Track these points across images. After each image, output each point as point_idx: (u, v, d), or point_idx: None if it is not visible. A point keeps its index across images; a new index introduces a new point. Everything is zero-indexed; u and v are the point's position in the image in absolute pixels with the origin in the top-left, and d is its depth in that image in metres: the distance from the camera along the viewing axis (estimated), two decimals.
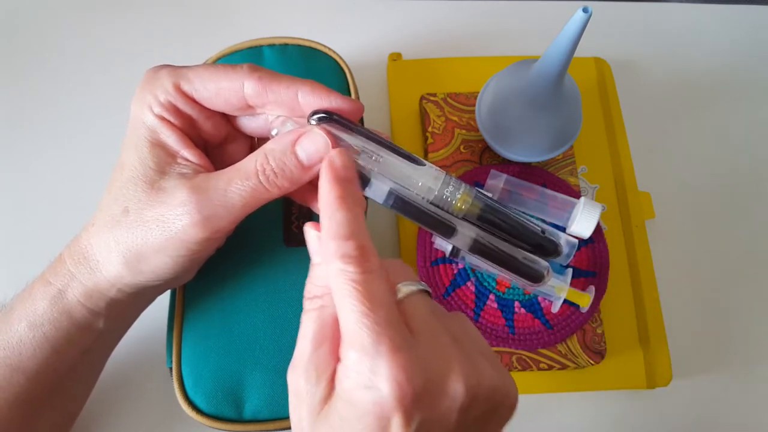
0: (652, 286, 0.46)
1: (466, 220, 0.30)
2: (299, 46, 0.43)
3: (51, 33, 0.53)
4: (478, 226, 0.30)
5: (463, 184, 0.30)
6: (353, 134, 0.30)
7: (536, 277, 0.31)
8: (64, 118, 0.51)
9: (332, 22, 0.55)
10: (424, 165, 0.30)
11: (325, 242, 0.25)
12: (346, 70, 0.43)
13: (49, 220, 0.47)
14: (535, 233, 0.30)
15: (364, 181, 0.30)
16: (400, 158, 0.30)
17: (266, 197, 0.30)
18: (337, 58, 0.43)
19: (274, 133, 0.31)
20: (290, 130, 0.30)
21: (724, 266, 0.50)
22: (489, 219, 0.30)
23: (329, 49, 0.43)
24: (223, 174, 0.30)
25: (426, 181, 0.30)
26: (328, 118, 0.29)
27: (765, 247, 0.51)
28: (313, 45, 0.43)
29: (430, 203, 0.30)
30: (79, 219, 0.33)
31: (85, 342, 0.33)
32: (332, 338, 0.26)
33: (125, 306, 0.33)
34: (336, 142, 0.29)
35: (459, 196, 0.30)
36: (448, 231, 0.30)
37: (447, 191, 0.30)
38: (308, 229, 0.28)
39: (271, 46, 0.43)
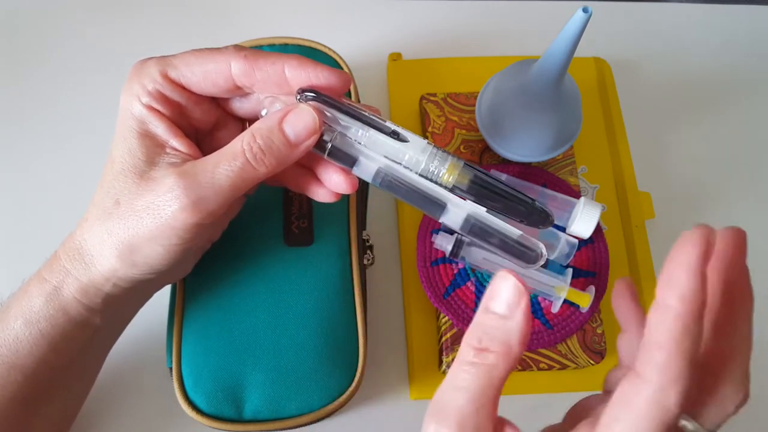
0: (652, 286, 0.46)
1: (456, 193, 0.30)
2: (299, 46, 0.43)
3: (51, 33, 0.53)
4: (468, 198, 0.30)
5: (451, 155, 0.30)
6: (341, 112, 0.30)
7: (531, 258, 0.30)
8: (64, 118, 0.51)
9: (332, 22, 0.55)
10: (408, 141, 0.30)
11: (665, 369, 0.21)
12: (346, 70, 0.43)
13: (49, 220, 0.47)
14: (525, 201, 0.30)
15: (352, 159, 0.30)
16: (386, 136, 0.30)
17: (254, 176, 0.30)
18: (337, 58, 0.43)
19: (263, 113, 0.31)
20: (279, 109, 0.30)
21: None
22: (478, 189, 0.30)
23: (329, 49, 0.43)
24: (210, 157, 0.30)
25: (414, 154, 0.30)
26: (315, 96, 0.30)
27: (765, 247, 0.51)
28: (313, 45, 0.43)
29: (420, 175, 0.30)
30: (78, 219, 0.33)
31: (82, 339, 0.33)
32: (494, 401, 0.24)
33: (121, 302, 0.33)
34: (323, 120, 0.29)
35: (447, 166, 0.30)
36: (438, 209, 0.30)
37: (434, 162, 0.30)
38: (504, 276, 0.24)
39: (271, 46, 0.43)
